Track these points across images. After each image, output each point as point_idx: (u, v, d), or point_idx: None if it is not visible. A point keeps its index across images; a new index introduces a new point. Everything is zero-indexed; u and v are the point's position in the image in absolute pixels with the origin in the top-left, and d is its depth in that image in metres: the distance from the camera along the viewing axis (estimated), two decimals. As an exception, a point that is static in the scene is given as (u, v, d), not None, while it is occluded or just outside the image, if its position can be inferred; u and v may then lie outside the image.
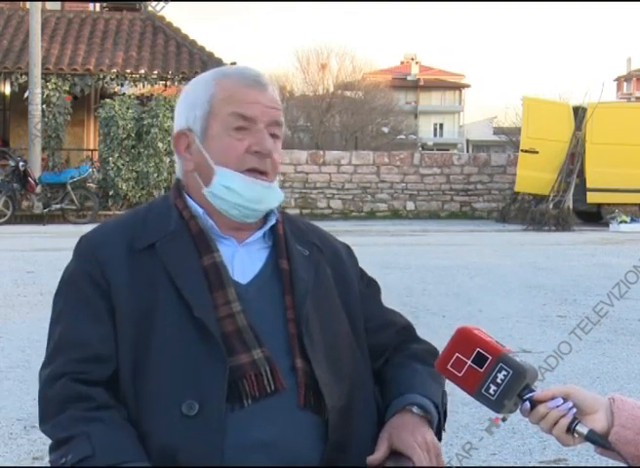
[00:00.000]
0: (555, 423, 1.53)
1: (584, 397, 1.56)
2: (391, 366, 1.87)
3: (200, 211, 1.80)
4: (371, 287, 1.96)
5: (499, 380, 1.55)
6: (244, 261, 1.79)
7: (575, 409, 1.54)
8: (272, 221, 1.84)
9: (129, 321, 1.69)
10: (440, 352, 1.64)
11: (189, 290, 1.70)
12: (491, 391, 1.55)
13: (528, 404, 1.55)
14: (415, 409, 1.74)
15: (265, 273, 1.79)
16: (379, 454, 1.69)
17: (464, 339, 1.59)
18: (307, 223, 1.96)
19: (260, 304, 1.74)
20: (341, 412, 1.71)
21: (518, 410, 1.58)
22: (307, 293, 1.77)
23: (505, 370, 1.55)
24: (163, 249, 1.74)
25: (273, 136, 1.80)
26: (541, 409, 1.54)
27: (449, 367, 1.59)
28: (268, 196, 1.79)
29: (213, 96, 1.79)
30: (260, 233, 1.83)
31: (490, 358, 1.56)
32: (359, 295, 1.89)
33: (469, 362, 1.57)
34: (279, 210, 1.88)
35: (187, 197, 1.82)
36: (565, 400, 1.55)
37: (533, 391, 1.56)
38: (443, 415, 1.82)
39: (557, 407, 1.54)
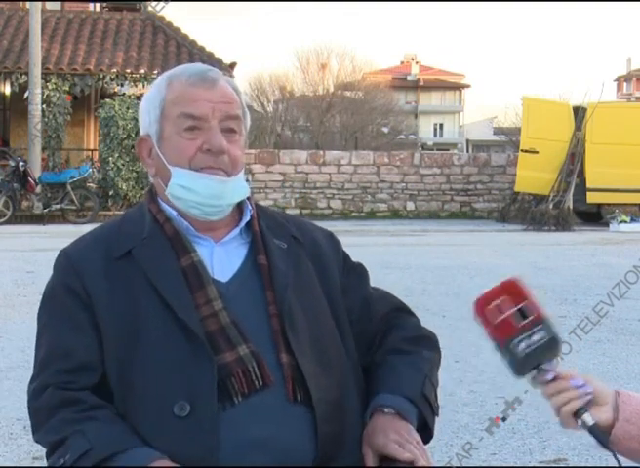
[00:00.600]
0: (567, 403, 1.51)
1: (601, 388, 1.55)
2: (372, 364, 1.86)
3: (174, 213, 1.80)
4: (354, 273, 1.94)
5: (533, 340, 1.51)
6: (222, 260, 1.79)
7: (591, 396, 1.53)
8: (247, 218, 1.83)
9: (113, 328, 1.69)
10: (484, 291, 1.59)
11: (170, 292, 1.70)
12: (519, 348, 1.52)
13: (550, 375, 1.53)
14: (386, 410, 1.73)
15: (245, 270, 1.79)
16: (368, 463, 1.68)
17: (516, 289, 1.55)
18: (285, 215, 1.96)
19: (242, 301, 1.74)
20: (332, 405, 1.70)
21: (529, 382, 1.55)
22: (288, 287, 1.76)
23: (543, 333, 1.52)
24: (140, 254, 1.75)
25: (229, 130, 1.79)
26: (563, 383, 1.52)
27: (488, 308, 1.55)
28: (226, 190, 1.78)
29: (163, 99, 1.80)
30: (236, 231, 1.82)
31: (532, 316, 1.53)
32: (341, 286, 1.88)
33: (510, 311, 1.53)
34: (255, 204, 1.88)
35: (160, 200, 1.83)
36: (584, 383, 1.53)
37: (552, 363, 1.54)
38: (430, 403, 1.79)
39: (578, 387, 1.52)
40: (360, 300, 1.90)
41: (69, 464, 1.59)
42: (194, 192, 1.76)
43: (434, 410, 1.81)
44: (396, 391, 1.76)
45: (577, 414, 1.51)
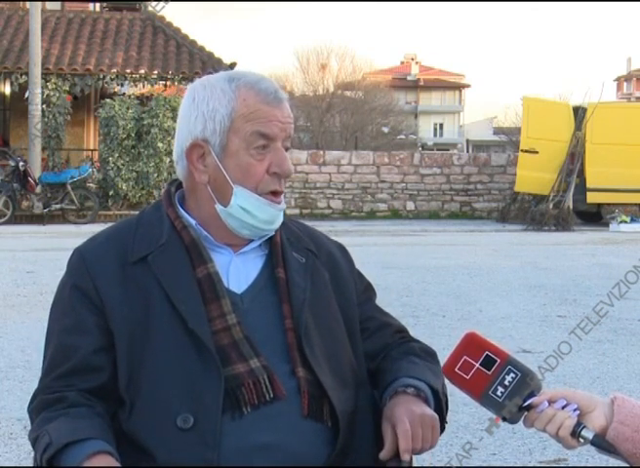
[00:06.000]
0: (560, 425, 1.54)
1: (580, 397, 1.58)
2: (388, 359, 1.86)
3: (192, 221, 1.78)
4: (368, 290, 1.96)
5: (506, 382, 1.58)
6: (239, 270, 1.78)
7: (578, 411, 1.55)
8: (272, 233, 1.82)
9: (123, 335, 1.68)
10: (447, 356, 1.65)
11: (183, 302, 1.69)
12: (498, 393, 1.57)
13: (543, 405, 1.56)
14: (409, 390, 1.73)
15: (260, 282, 1.77)
16: (387, 446, 1.67)
17: (473, 343, 1.61)
18: (300, 226, 1.95)
19: (257, 314, 1.73)
20: (348, 417, 1.71)
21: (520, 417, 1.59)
22: (305, 302, 1.75)
23: (514, 373, 1.58)
24: (155, 261, 1.72)
25: (286, 149, 1.78)
26: (549, 411, 1.55)
27: (456, 369, 1.61)
28: (279, 217, 1.79)
29: (234, 110, 1.74)
30: (256, 243, 1.81)
31: (498, 361, 1.58)
32: (357, 297, 1.88)
33: (477, 364, 1.59)
34: None
35: (179, 207, 1.81)
36: (567, 402, 1.56)
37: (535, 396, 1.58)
38: (445, 405, 1.80)
39: (562, 408, 1.55)
40: (374, 313, 1.92)
41: (38, 460, 1.61)
42: (253, 216, 1.74)
43: (445, 414, 1.82)
44: (420, 378, 1.77)
45: (574, 434, 1.54)
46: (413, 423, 1.65)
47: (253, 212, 1.74)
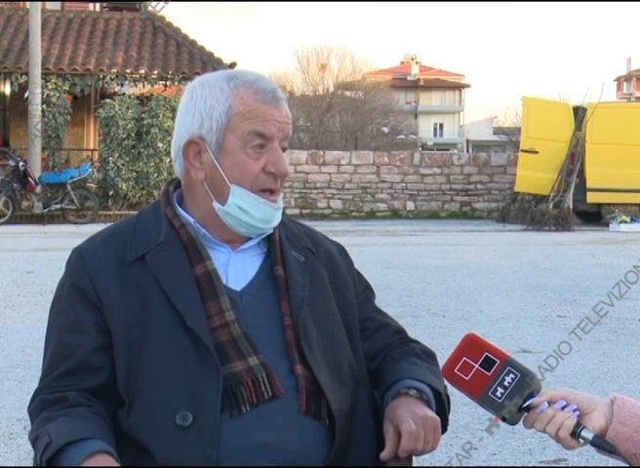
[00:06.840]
0: (560, 426, 1.54)
1: (580, 398, 1.58)
2: (389, 359, 1.87)
3: (191, 219, 1.78)
4: (367, 290, 1.96)
5: (506, 383, 1.58)
6: (238, 268, 1.78)
7: (578, 412, 1.55)
8: (270, 231, 1.82)
9: (122, 333, 1.68)
10: (447, 357, 1.65)
11: (181, 300, 1.69)
12: (498, 394, 1.58)
13: (542, 406, 1.57)
14: (411, 392, 1.74)
15: (259, 279, 1.78)
16: (389, 447, 1.68)
17: (472, 344, 1.61)
18: (300, 226, 1.95)
19: (256, 311, 1.73)
20: (346, 416, 1.71)
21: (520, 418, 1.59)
22: (304, 300, 1.76)
23: (513, 374, 1.58)
24: (153, 260, 1.73)
25: (283, 150, 1.78)
26: (549, 411, 1.56)
27: (456, 370, 1.61)
28: (276, 216, 1.79)
29: (231, 108, 1.74)
30: (254, 241, 1.81)
31: (498, 362, 1.59)
32: (356, 296, 1.89)
33: (477, 365, 1.59)
34: None
35: (177, 205, 1.81)
36: (567, 403, 1.56)
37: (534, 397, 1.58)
38: (447, 407, 1.81)
39: (562, 408, 1.55)
40: (373, 314, 1.92)
41: (38, 460, 1.61)
42: (250, 215, 1.75)
43: (447, 415, 1.82)
44: (422, 380, 1.78)
45: (574, 434, 1.55)
46: (415, 425, 1.66)
47: (249, 211, 1.74)
